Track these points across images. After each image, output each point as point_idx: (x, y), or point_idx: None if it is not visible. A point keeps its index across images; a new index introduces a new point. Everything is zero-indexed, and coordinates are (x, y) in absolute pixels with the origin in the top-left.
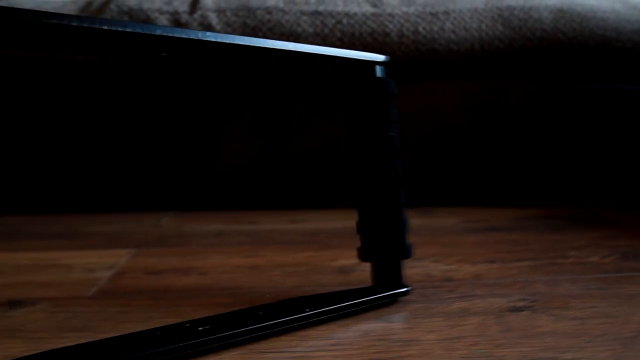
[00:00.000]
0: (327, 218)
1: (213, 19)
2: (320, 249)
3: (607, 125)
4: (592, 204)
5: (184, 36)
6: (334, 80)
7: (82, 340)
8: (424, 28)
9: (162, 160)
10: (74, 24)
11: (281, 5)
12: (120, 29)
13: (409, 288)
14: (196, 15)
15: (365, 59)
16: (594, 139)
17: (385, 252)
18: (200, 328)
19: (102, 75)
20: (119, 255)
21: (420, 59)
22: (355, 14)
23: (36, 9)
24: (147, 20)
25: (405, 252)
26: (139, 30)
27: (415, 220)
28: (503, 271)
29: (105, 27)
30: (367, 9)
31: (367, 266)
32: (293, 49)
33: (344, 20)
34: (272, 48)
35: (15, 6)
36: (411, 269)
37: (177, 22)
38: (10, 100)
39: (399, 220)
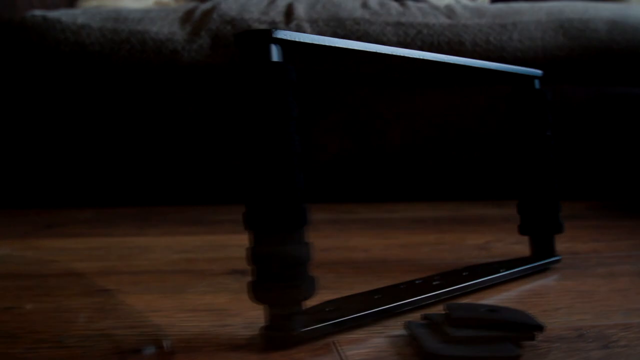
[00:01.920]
0: (416, 209)
1: (307, 28)
2: (440, 232)
3: None
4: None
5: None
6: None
7: (335, 296)
8: (494, 38)
9: None
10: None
11: (367, 16)
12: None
13: (561, 257)
14: (292, 25)
15: (527, 73)
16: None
17: (543, 227)
18: (434, 283)
19: (206, 78)
20: None
21: None
22: (434, 24)
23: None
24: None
25: (559, 227)
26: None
27: (493, 211)
28: (613, 246)
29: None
30: (444, 20)
31: (498, 243)
32: (481, 66)
33: (424, 31)
34: (475, 67)
35: (120, 16)
36: None
37: None
38: (135, 103)
39: (553, 202)
